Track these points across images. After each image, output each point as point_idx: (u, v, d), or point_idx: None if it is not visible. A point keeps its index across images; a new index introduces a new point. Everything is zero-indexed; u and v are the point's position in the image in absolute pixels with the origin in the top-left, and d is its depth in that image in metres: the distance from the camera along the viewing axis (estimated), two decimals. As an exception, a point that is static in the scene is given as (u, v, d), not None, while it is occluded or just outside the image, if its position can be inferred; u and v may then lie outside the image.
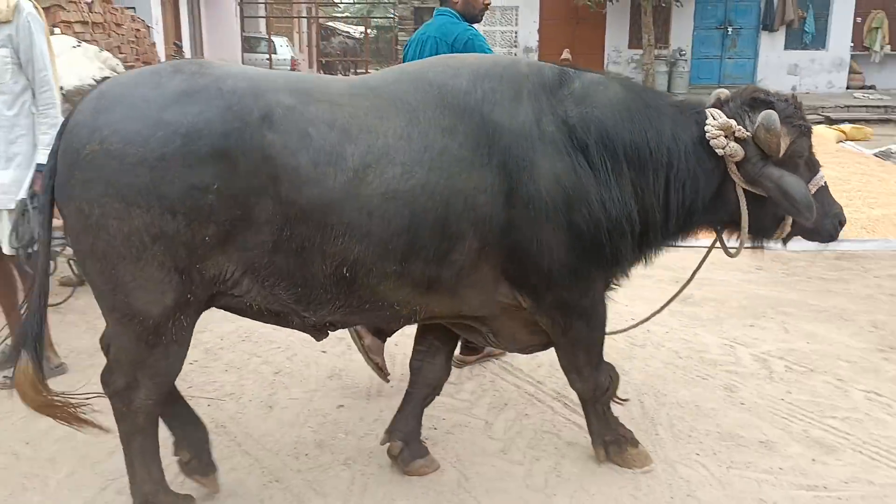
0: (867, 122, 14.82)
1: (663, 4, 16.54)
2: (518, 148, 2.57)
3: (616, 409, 3.29)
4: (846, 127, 13.21)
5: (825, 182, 2.99)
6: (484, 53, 3.79)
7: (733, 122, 2.82)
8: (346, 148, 2.41)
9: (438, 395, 3.26)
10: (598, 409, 3.15)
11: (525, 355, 3.89)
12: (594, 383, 3.05)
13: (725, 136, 2.82)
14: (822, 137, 12.39)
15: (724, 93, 3.01)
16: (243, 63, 22.61)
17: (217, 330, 4.50)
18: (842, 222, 3.03)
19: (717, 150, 2.82)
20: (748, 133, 2.81)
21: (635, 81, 3.11)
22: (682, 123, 2.88)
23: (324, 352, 4.31)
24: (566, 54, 16.50)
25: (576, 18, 18.73)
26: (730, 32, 19.29)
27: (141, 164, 2.23)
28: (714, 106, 2.95)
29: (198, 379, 3.99)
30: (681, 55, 18.88)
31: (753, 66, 19.54)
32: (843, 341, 4.52)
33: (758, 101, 2.87)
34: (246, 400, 3.77)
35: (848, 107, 16.47)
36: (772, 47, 19.30)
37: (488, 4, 4.20)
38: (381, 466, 3.18)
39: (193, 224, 2.28)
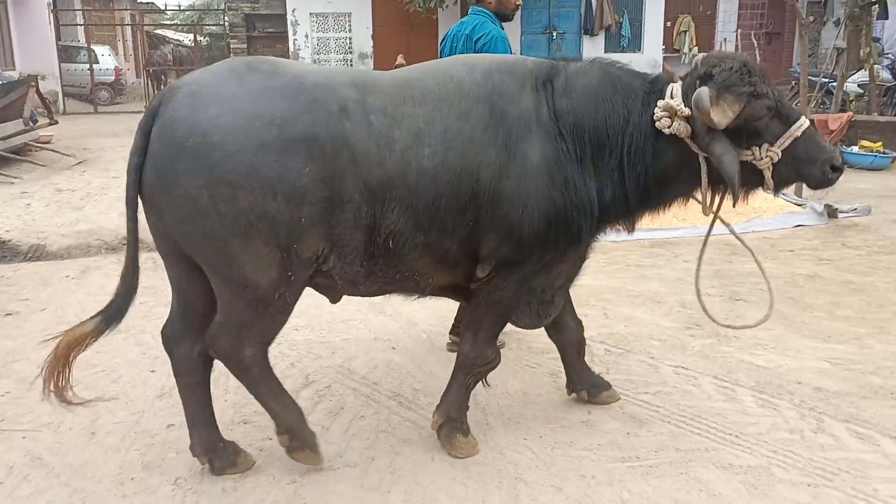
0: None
1: (490, 10, 17.12)
2: (518, 130, 2.93)
3: (446, 402, 3.39)
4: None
5: (807, 130, 2.96)
6: (501, 54, 4.16)
7: (675, 101, 2.93)
8: (395, 132, 2.81)
9: (584, 343, 3.79)
10: (466, 380, 3.34)
11: (362, 361, 3.93)
12: (480, 351, 3.28)
13: (670, 117, 2.95)
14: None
15: (697, 59, 3.08)
16: (61, 73, 21.24)
17: (34, 357, 4.23)
18: (834, 166, 2.97)
19: (663, 130, 2.96)
20: (688, 111, 2.91)
21: (617, 64, 3.21)
22: (648, 103, 3.03)
23: (153, 371, 4.16)
24: (401, 59, 16.51)
25: (408, 24, 19.00)
26: (555, 37, 20.24)
27: (242, 151, 2.60)
28: (679, 80, 3.06)
29: (11, 411, 3.74)
30: (511, 59, 19.59)
31: (578, 68, 20.58)
32: (655, 322, 4.89)
33: (705, 74, 2.92)
34: (65, 429, 3.57)
35: (663, 105, 17.68)
36: (593, 50, 20.39)
37: (519, 5, 4.49)
38: (213, 482, 3.12)
39: (291, 204, 2.65)
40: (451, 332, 4.52)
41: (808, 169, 2.97)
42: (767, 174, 2.97)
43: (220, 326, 2.92)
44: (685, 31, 20.67)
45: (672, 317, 4.98)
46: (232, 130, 2.60)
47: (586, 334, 4.59)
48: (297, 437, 3.10)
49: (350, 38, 19.35)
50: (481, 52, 4.21)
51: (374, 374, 4.14)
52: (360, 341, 4.63)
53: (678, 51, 20.82)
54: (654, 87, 3.07)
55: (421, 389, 3.96)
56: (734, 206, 3.07)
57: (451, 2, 17.20)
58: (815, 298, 5.29)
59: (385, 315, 5.07)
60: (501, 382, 3.99)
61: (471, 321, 3.29)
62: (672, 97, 2.96)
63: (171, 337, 3.08)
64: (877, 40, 14.61)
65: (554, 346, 4.42)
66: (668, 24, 20.69)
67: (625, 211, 3.16)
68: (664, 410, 3.70)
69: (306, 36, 19.08)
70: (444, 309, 5.07)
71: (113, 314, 2.89)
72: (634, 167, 3.03)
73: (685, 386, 3.97)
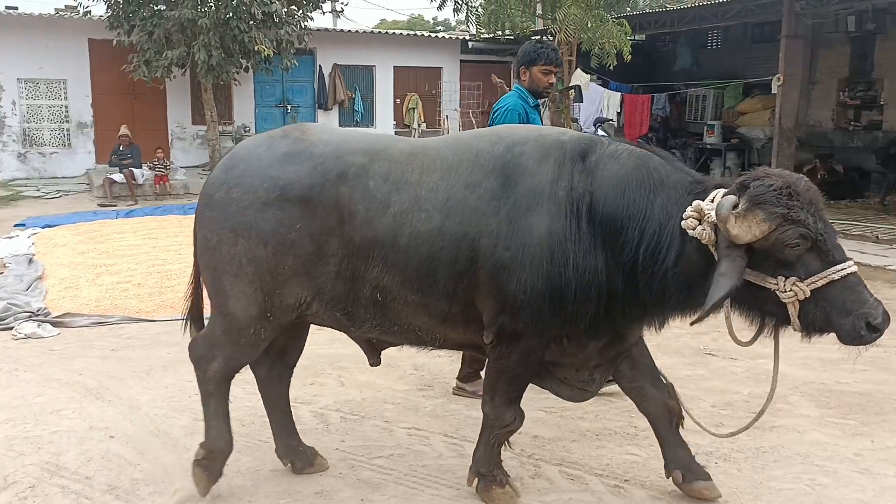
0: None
1: (221, 83, 16.88)
2: (526, 201, 2.97)
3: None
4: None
5: (850, 276, 2.70)
6: (538, 125, 4.48)
7: (707, 204, 2.77)
8: (393, 197, 3.04)
9: (678, 412, 3.44)
10: (490, 438, 3.37)
11: (73, 454, 3.55)
12: (499, 414, 3.31)
13: (698, 219, 2.79)
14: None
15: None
16: None
17: None
18: (871, 324, 2.67)
19: (687, 231, 2.81)
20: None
21: (657, 153, 3.08)
22: (684, 203, 2.85)
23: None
24: (124, 130, 15.84)
25: (133, 93, 18.10)
26: (289, 110, 20.42)
27: (250, 206, 3.07)
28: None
29: None
30: (245, 131, 19.40)
31: (314, 141, 20.91)
32: (389, 386, 5.00)
33: (742, 185, 2.76)
34: None
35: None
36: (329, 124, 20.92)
37: (552, 84, 4.83)
38: None
39: (278, 254, 3.06)
40: (457, 378, 4.83)
41: (840, 318, 2.69)
42: (792, 311, 2.71)
43: (201, 337, 3.40)
44: (413, 108, 21.88)
45: (406, 380, 5.12)
46: (247, 189, 3.09)
47: (321, 403, 4.59)
48: (211, 461, 3.38)
49: (66, 106, 18.00)
50: (495, 123, 4.53)
51: (87, 467, 3.77)
52: (72, 432, 4.19)
53: (408, 126, 21.96)
54: (698, 188, 2.92)
55: (142, 479, 3.67)
56: (692, 324, 2.94)
57: (180, 73, 16.72)
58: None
59: (103, 401, 4.66)
60: (233, 461, 3.81)
61: (488, 383, 3.35)
62: (712, 200, 2.78)
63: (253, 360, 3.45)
64: (575, 121, 16.56)
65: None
66: (398, 101, 21.79)
67: (639, 306, 3.02)
68: (397, 473, 3.76)
69: (13, 103, 17.45)
70: (173, 389, 4.79)
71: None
72: (651, 264, 2.88)
73: (418, 446, 4.07)
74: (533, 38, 11.02)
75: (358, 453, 3.94)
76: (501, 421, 3.31)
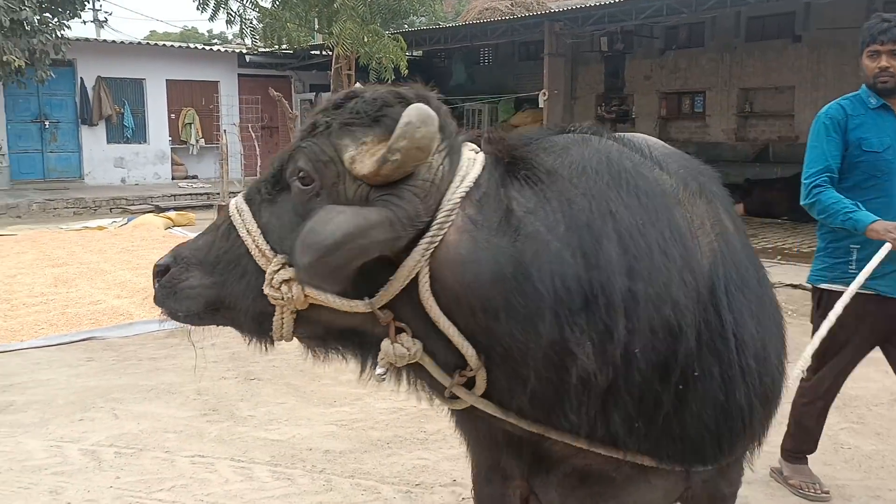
0: (192, 208, 16.03)
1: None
2: None
3: None
4: (172, 214, 14.07)
5: None
6: None
7: None
8: None
9: None
10: None
11: None
12: None
13: None
14: (153, 225, 12.98)
15: None
16: None
17: None
18: None
19: None
20: None
21: None
22: None
23: None
24: None
25: None
26: (47, 126, 18.75)
27: None
28: None
29: None
30: (-3, 150, 17.56)
31: (79, 159, 19.36)
32: (171, 414, 4.71)
33: None
34: None
35: (174, 195, 17.54)
36: (95, 141, 19.41)
37: (885, 69, 3.30)
38: None
39: None
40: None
41: None
42: None
43: None
44: (190, 123, 20.94)
45: (188, 406, 4.85)
46: None
47: (92, 439, 4.25)
48: None
49: None
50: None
51: None
52: None
53: (185, 142, 20.97)
54: None
55: None
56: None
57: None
58: (322, 367, 5.65)
59: None
60: (-14, 515, 3.41)
61: None
62: None
63: None
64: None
65: (56, 460, 3.98)
66: (173, 115, 20.76)
67: None
68: (181, 504, 3.55)
69: None
70: None
71: None
72: None
73: (203, 474, 3.86)
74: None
75: (136, 489, 3.67)
76: None
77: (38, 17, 14.95)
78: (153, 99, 20.32)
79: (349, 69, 14.61)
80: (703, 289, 1.63)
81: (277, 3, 15.09)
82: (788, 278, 7.81)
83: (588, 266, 1.51)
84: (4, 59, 14.20)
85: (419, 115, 1.44)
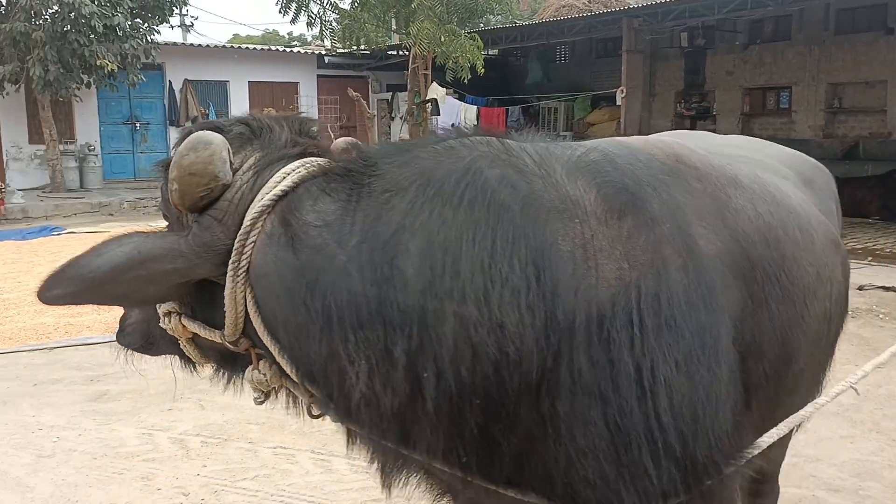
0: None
1: (61, 99, 15.93)
2: None
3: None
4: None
5: None
6: None
7: None
8: None
9: None
10: None
11: None
12: None
13: None
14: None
15: None
16: None
17: None
18: None
19: None
20: None
21: None
22: None
23: None
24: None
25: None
26: (138, 127, 19.55)
27: None
28: None
29: None
30: (90, 150, 18.38)
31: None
32: (253, 406, 4.83)
33: None
34: None
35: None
36: (181, 142, 20.16)
37: None
38: None
39: None
40: None
41: None
42: None
43: None
44: (272, 124, 21.50)
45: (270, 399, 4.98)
46: None
47: (180, 428, 4.41)
48: None
49: None
50: None
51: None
52: None
53: (266, 142, 21.53)
54: None
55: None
56: None
57: (13, 89, 15.65)
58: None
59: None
60: (84, 498, 3.59)
61: None
62: None
63: None
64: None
65: (147, 448, 4.16)
66: (255, 117, 21.35)
67: None
68: (263, 493, 3.65)
69: None
70: (13, 426, 4.47)
71: None
72: None
73: (284, 465, 3.98)
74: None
75: (221, 477, 3.80)
76: None
77: (130, 23, 15.61)
78: (236, 100, 20.93)
79: (426, 69, 14.73)
80: (582, 320, 1.37)
81: (356, 4, 15.33)
82: (880, 280, 7.51)
83: (375, 282, 1.38)
84: (98, 63, 14.88)
85: (186, 144, 1.47)
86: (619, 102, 14.43)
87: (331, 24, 15.83)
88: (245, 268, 1.46)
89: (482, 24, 19.29)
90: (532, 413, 1.40)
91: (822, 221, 2.06)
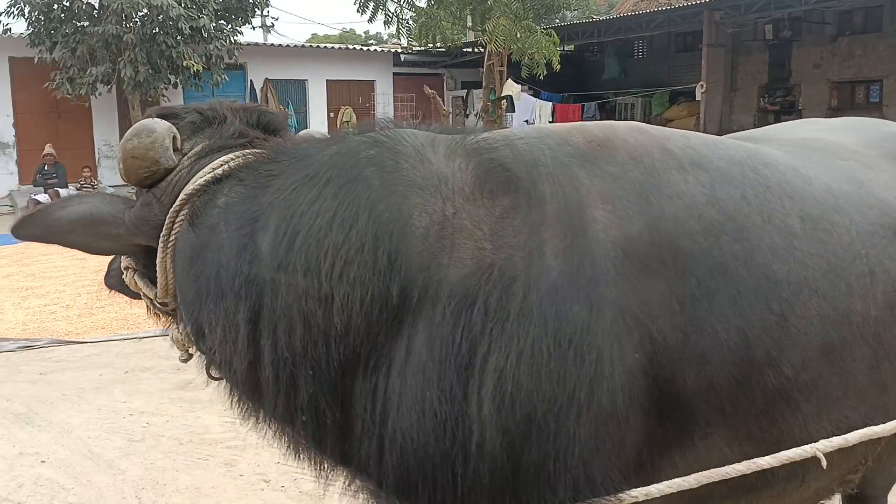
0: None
1: (150, 99, 16.58)
2: None
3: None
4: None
5: None
6: None
7: None
8: None
9: None
10: None
11: (3, 480, 3.42)
12: None
13: None
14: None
15: None
16: None
17: None
18: None
19: None
20: None
21: None
22: None
23: None
24: (48, 149, 15.41)
25: (57, 111, 17.62)
26: (218, 125, 20.16)
27: None
28: None
29: None
30: (176, 148, 19.06)
31: (247, 156, 20.69)
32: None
33: None
34: None
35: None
36: (262, 139, 20.68)
37: None
38: None
39: None
40: None
41: None
42: None
43: None
44: (348, 122, 21.84)
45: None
46: None
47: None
48: None
49: (-14, 126, 17.42)
50: None
51: (18, 493, 3.64)
52: (1, 459, 4.05)
53: (343, 140, 21.88)
54: None
55: (76, 503, 3.56)
56: None
57: (106, 89, 16.35)
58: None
59: (33, 426, 4.51)
60: (171, 480, 3.75)
61: None
62: None
63: None
64: (509, 130, 16.80)
65: (230, 435, 4.31)
66: (332, 114, 21.73)
67: None
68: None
69: (-73, 123, 16.81)
70: (106, 411, 4.69)
71: None
72: None
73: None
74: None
75: (300, 466, 3.90)
76: None
77: (214, 25, 16.11)
78: (314, 98, 21.36)
79: (501, 65, 14.73)
80: (425, 298, 1.35)
81: (432, 2, 15.44)
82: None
83: (236, 256, 1.49)
84: (184, 64, 15.41)
85: (132, 130, 1.62)
86: (698, 98, 14.12)
87: (407, 22, 15.98)
88: (173, 242, 1.62)
89: (558, 20, 19.15)
90: (361, 389, 1.40)
91: (872, 205, 1.71)
